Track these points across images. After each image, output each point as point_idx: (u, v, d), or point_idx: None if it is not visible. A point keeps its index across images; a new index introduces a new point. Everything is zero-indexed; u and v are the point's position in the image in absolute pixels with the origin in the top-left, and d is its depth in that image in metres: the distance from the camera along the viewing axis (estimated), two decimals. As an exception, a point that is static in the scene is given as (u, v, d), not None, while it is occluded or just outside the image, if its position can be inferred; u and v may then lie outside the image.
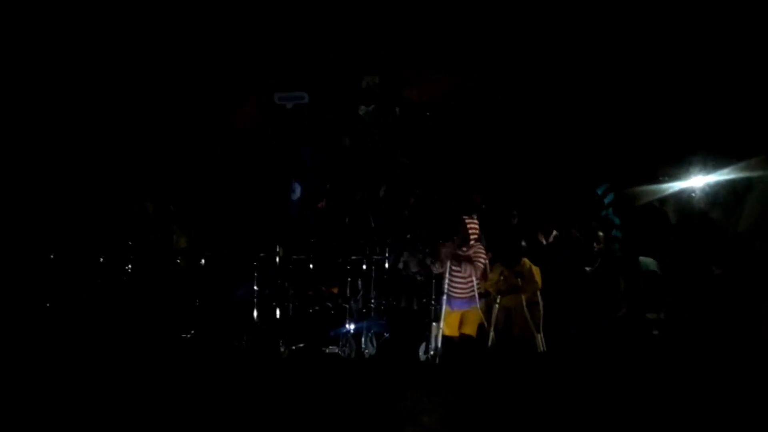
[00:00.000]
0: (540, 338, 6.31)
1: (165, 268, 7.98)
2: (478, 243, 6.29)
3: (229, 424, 4.90)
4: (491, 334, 6.33)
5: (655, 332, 6.76)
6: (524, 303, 6.36)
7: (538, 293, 6.44)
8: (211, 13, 8.23)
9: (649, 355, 6.28)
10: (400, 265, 7.67)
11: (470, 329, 6.30)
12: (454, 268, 6.27)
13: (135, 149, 9.14)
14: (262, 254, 7.36)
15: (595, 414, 4.99)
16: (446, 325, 6.32)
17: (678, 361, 6.02)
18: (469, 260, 6.16)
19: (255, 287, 7.21)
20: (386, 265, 7.54)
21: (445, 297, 6.34)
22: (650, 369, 5.86)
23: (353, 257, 7.35)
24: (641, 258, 6.97)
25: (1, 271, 7.80)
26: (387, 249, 7.60)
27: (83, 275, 8.02)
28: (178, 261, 8.08)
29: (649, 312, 6.73)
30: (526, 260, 6.51)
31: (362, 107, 9.00)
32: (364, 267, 7.35)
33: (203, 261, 7.93)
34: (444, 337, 6.32)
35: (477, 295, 6.21)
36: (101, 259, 8.09)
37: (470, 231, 6.23)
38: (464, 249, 6.24)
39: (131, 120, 9.09)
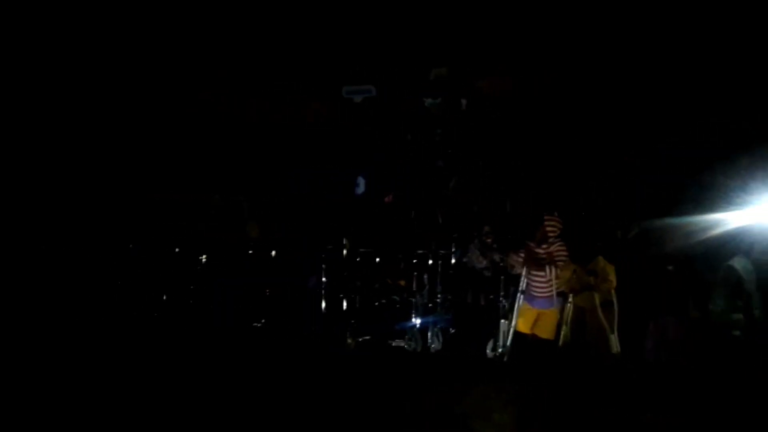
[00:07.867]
0: (614, 339, 6.09)
1: (237, 258, 8.21)
2: (559, 240, 6.11)
3: (297, 412, 4.98)
4: (563, 332, 6.17)
5: (736, 333, 6.39)
6: (598, 302, 6.16)
7: (613, 292, 6.22)
8: (281, 8, 8.27)
9: (731, 357, 5.96)
10: (464, 260, 7.61)
11: (545, 331, 6.12)
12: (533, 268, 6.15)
13: (207, 143, 9.38)
14: (330, 246, 7.46)
15: (670, 418, 4.80)
16: (522, 321, 6.19)
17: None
18: (551, 260, 6.03)
19: (323, 279, 7.33)
20: (452, 261, 7.50)
21: (522, 295, 6.22)
22: (731, 372, 5.56)
23: (419, 251, 7.35)
24: (738, 260, 6.55)
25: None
26: (453, 244, 7.54)
27: (159, 266, 8.36)
28: (250, 252, 8.29)
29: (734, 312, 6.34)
30: (600, 258, 6.29)
31: (429, 99, 8.89)
32: (430, 262, 7.34)
33: (274, 252, 8.12)
34: (516, 332, 6.23)
35: (556, 295, 6.07)
36: (176, 250, 8.41)
37: (549, 229, 6.09)
38: (544, 247, 6.10)
39: (203, 115, 9.32)
